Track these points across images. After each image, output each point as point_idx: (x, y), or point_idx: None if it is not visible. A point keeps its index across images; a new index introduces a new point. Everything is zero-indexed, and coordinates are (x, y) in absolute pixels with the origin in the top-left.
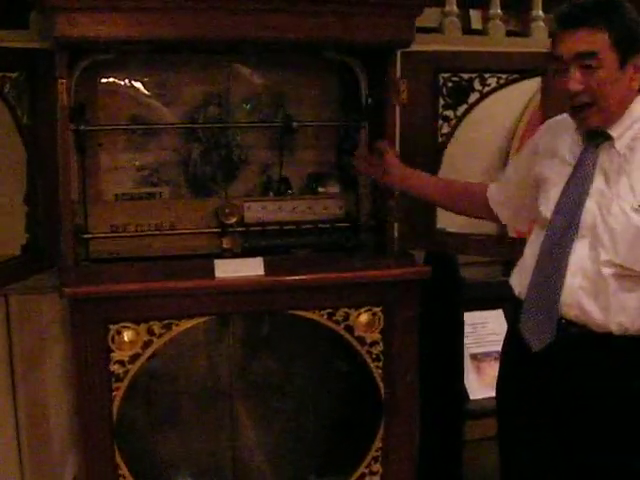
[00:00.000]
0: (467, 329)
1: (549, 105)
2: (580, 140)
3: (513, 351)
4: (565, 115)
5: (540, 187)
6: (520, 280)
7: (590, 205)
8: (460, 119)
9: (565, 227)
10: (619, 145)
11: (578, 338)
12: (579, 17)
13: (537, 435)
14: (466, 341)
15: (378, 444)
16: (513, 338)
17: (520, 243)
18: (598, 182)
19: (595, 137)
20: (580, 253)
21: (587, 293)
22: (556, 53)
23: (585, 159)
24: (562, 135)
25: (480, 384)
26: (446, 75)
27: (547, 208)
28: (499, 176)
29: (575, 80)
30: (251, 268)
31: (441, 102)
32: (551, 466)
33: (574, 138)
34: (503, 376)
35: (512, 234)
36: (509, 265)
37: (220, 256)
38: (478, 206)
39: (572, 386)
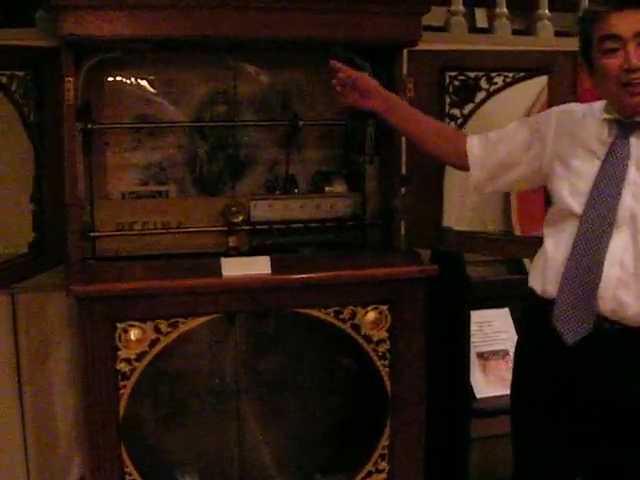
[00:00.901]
0: (473, 327)
1: (556, 104)
2: (607, 132)
3: (535, 349)
4: (577, 105)
5: (557, 173)
6: (544, 278)
7: (626, 196)
8: (467, 118)
9: (601, 220)
10: None
11: (612, 332)
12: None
13: (555, 431)
14: (472, 339)
15: (385, 442)
16: (535, 336)
17: (527, 242)
18: (632, 173)
19: (626, 127)
20: (618, 245)
21: (625, 285)
22: (610, 32)
23: (617, 151)
24: (584, 122)
25: (486, 382)
26: (452, 74)
27: (578, 202)
28: (484, 132)
29: (636, 56)
30: (258, 266)
31: (447, 101)
32: (567, 462)
33: (599, 130)
34: (522, 374)
35: (518, 232)
36: (515, 264)
37: (227, 254)
38: (452, 151)
39: (601, 380)
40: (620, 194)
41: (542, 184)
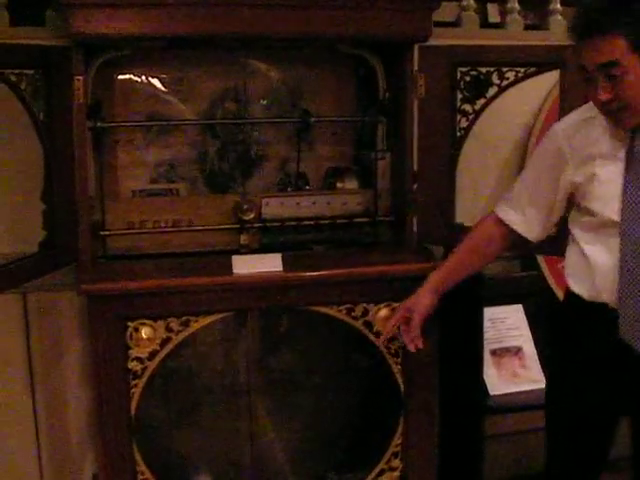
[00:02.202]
0: (486, 324)
1: (567, 98)
2: (620, 134)
3: (587, 350)
4: (575, 115)
5: (583, 187)
6: (594, 286)
7: None
8: (478, 113)
9: None
10: None
11: None
12: (591, 26)
13: (596, 427)
14: (485, 336)
15: (398, 440)
16: (586, 337)
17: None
18: None
19: (634, 129)
20: None
21: None
22: (580, 63)
23: (634, 152)
24: (591, 130)
25: (500, 379)
26: (464, 69)
27: (611, 209)
28: (505, 200)
29: (604, 90)
30: (269, 264)
31: (459, 96)
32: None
33: (613, 133)
34: (568, 374)
35: None
36: (529, 260)
37: (238, 252)
38: (498, 246)
39: None
40: None
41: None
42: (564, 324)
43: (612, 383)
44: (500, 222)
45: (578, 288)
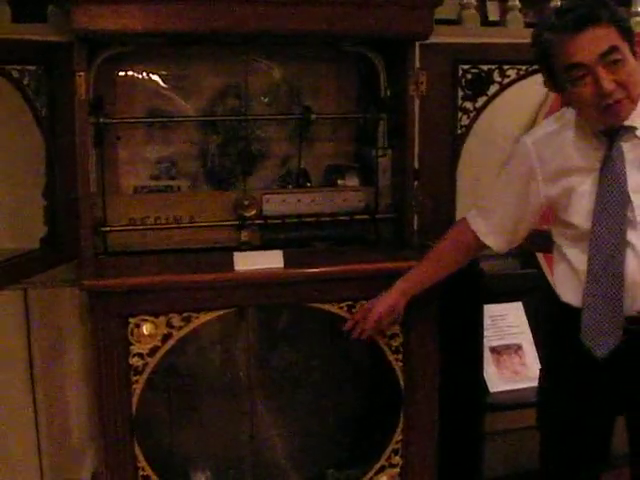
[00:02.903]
0: (486, 322)
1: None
2: (593, 144)
3: (568, 357)
4: (546, 126)
5: (558, 201)
6: (567, 288)
7: (636, 199)
8: (479, 111)
9: (617, 229)
10: None
11: None
12: (586, 18)
13: (589, 429)
14: (485, 334)
15: (398, 437)
16: (569, 345)
17: (540, 236)
18: (633, 175)
19: (613, 134)
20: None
21: None
22: (573, 61)
23: (611, 159)
24: (564, 142)
25: (499, 376)
26: (465, 67)
27: (584, 218)
28: (477, 208)
29: (607, 80)
30: (270, 261)
31: (460, 94)
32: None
33: (584, 144)
34: (556, 377)
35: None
36: (528, 257)
37: (239, 249)
38: (464, 254)
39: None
40: (628, 197)
41: None
42: (555, 328)
43: (603, 384)
44: (469, 229)
45: (568, 298)
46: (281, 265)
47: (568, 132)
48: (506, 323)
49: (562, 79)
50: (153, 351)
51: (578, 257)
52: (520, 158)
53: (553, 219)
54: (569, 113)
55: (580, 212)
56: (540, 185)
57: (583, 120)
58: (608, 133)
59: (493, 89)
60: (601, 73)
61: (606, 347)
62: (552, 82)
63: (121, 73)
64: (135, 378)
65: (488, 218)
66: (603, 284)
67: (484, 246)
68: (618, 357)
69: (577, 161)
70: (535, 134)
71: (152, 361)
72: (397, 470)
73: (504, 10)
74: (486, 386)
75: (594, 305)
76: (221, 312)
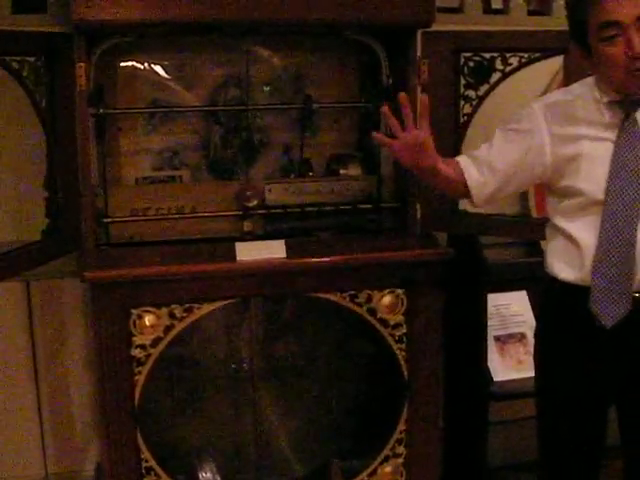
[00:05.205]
0: (490, 311)
1: (571, 83)
2: (608, 114)
3: (568, 334)
4: (558, 94)
5: (567, 168)
6: (566, 264)
7: None
8: (482, 99)
9: (631, 198)
10: None
11: None
12: None
13: (587, 412)
14: (489, 323)
15: (402, 426)
16: (566, 322)
17: (544, 224)
18: None
19: (630, 106)
20: None
21: None
22: (609, 19)
23: (627, 129)
24: (577, 110)
25: (504, 366)
26: (467, 55)
27: (599, 189)
28: (470, 155)
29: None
30: (273, 251)
31: (462, 82)
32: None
33: (598, 113)
34: (552, 359)
35: (535, 214)
36: (532, 246)
37: (241, 239)
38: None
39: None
40: None
41: (546, 181)
42: (546, 309)
43: (597, 371)
44: (459, 169)
45: (566, 274)
46: (284, 255)
47: (578, 101)
48: (510, 312)
49: (593, 36)
50: (155, 342)
51: (580, 230)
52: (527, 117)
53: (551, 192)
54: (582, 85)
55: (590, 178)
56: (546, 142)
57: (603, 86)
58: (623, 104)
59: (495, 77)
60: (634, 34)
61: (614, 317)
62: (580, 42)
63: (122, 63)
64: (138, 369)
65: (479, 166)
66: (614, 253)
67: (467, 192)
68: (621, 329)
69: (588, 130)
70: (545, 100)
71: (155, 352)
72: (401, 460)
73: None
74: (490, 375)
75: (604, 273)
76: (223, 302)
